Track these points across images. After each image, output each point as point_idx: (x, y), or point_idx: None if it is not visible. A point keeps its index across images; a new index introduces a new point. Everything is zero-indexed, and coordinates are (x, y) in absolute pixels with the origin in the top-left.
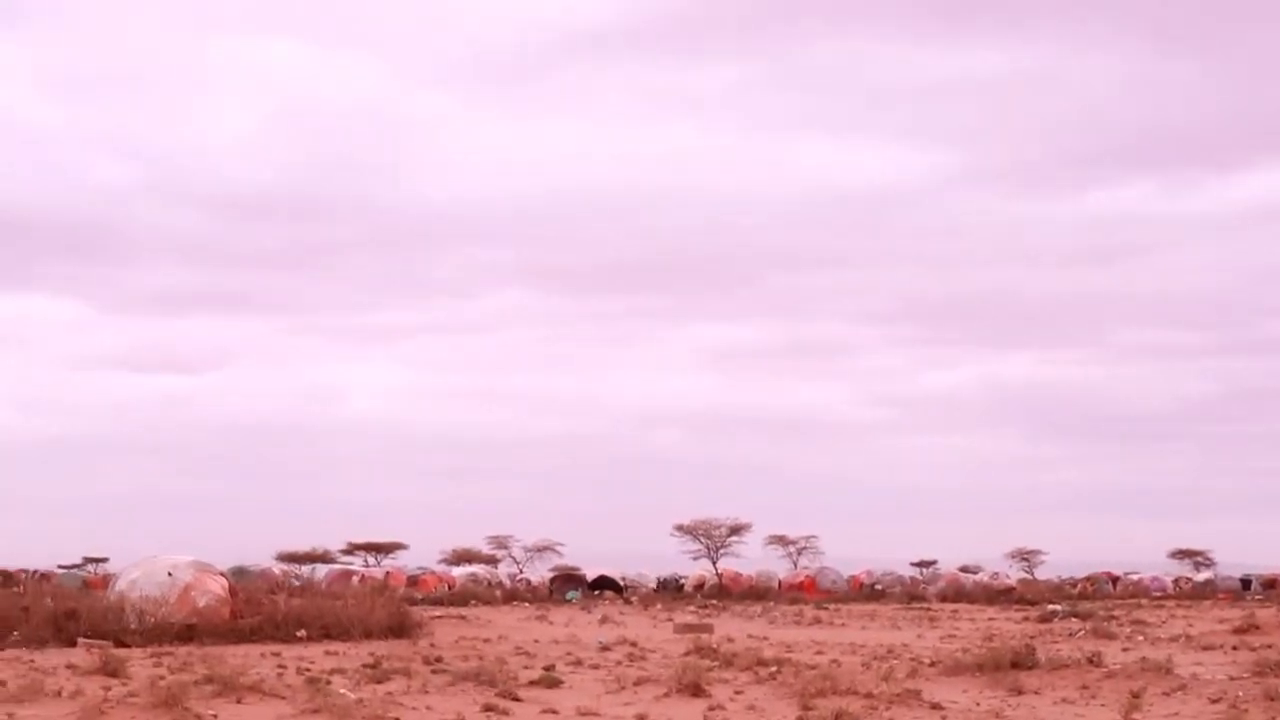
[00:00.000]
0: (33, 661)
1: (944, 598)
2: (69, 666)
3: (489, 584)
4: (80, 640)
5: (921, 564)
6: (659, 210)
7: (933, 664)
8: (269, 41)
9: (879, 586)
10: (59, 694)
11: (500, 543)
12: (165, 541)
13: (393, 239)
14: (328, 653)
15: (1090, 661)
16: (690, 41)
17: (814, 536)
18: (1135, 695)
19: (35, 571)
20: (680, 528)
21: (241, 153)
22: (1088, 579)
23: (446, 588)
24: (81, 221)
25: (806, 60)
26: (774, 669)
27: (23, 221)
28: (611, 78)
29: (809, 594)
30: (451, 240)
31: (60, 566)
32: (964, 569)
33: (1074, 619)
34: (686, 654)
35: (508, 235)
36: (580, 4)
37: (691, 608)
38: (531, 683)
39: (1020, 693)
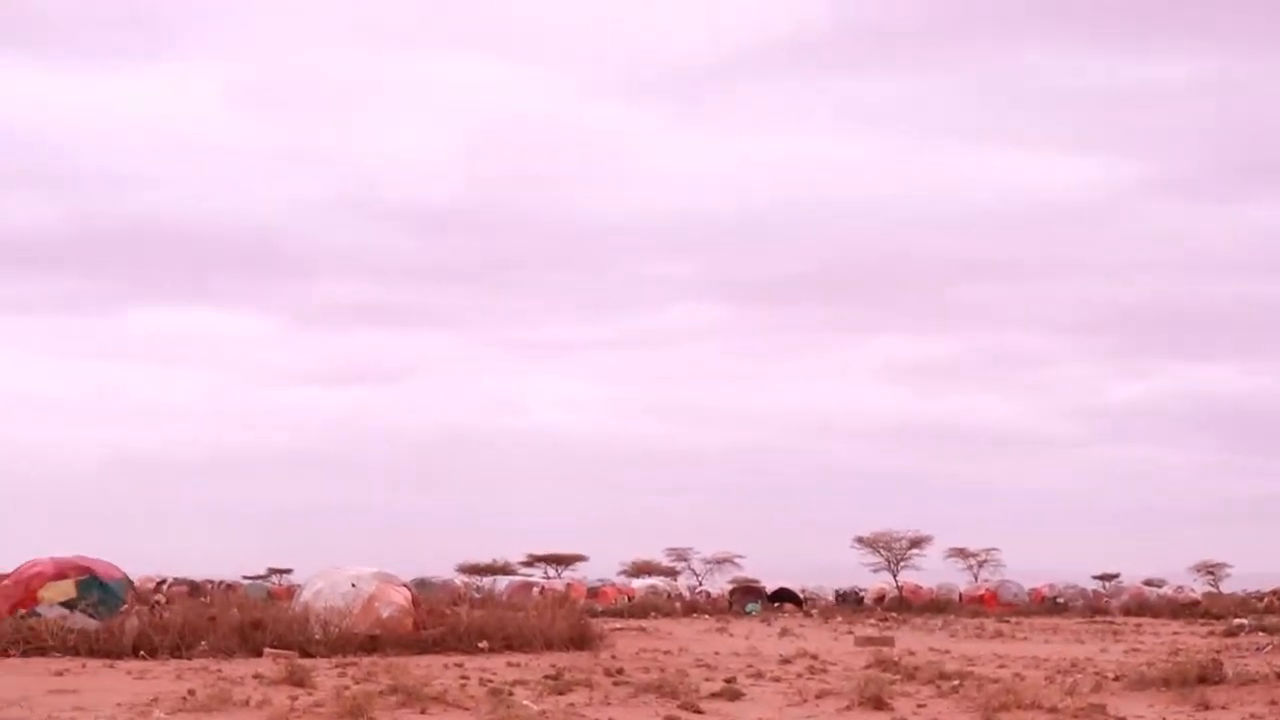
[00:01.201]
0: (220, 671)
1: (1127, 611)
2: (256, 676)
3: (668, 596)
4: (266, 650)
5: (1104, 577)
6: (841, 222)
7: (1117, 678)
8: (455, 57)
9: (1061, 600)
10: (247, 703)
11: (680, 555)
12: (348, 552)
13: (576, 252)
14: (510, 664)
15: (1279, 676)
16: (869, 53)
17: (995, 549)
18: None
19: (221, 582)
20: (860, 540)
21: (427, 167)
22: (1275, 592)
23: (626, 600)
24: (270, 236)
25: (985, 71)
26: (956, 682)
27: (213, 237)
28: (792, 90)
29: (990, 607)
30: (635, 253)
31: (245, 577)
32: (1148, 582)
33: (1261, 633)
34: (868, 667)
35: (690, 248)
36: (761, 18)
37: (871, 620)
38: (713, 695)
39: (1207, 708)
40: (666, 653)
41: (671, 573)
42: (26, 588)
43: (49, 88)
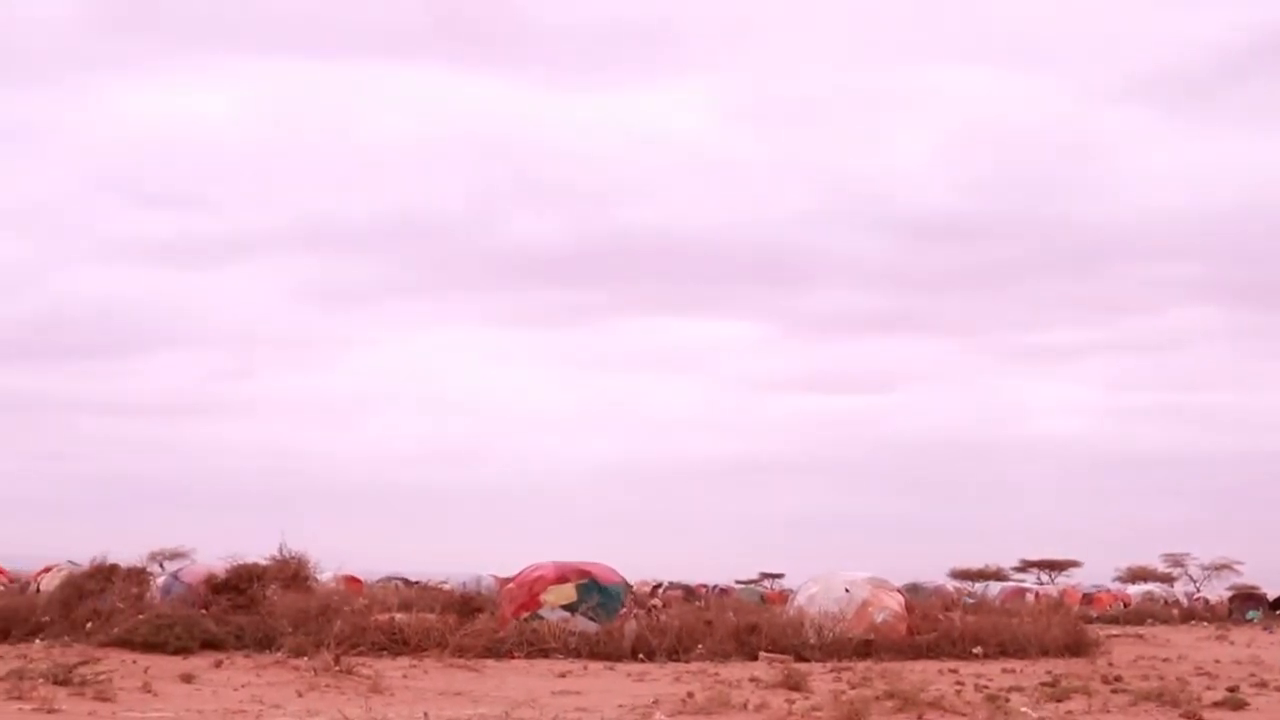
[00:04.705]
0: (717, 674)
1: None
2: (752, 679)
3: (1165, 603)
4: (761, 654)
5: None
6: None
7: None
8: (946, 66)
9: None
10: (745, 706)
11: (1176, 561)
12: (840, 557)
13: (1072, 257)
14: (1004, 670)
15: None
16: None
17: None
18: None
19: (715, 586)
20: None
21: (921, 176)
22: None
23: (1121, 606)
24: (767, 247)
25: None
26: None
27: (714, 249)
28: None
29: None
30: (1135, 257)
31: (738, 581)
32: None
33: None
34: None
35: (1195, 250)
36: (1258, 13)
37: None
38: (1215, 704)
39: None
40: (1165, 660)
41: (1168, 579)
42: (530, 591)
43: (549, 106)
